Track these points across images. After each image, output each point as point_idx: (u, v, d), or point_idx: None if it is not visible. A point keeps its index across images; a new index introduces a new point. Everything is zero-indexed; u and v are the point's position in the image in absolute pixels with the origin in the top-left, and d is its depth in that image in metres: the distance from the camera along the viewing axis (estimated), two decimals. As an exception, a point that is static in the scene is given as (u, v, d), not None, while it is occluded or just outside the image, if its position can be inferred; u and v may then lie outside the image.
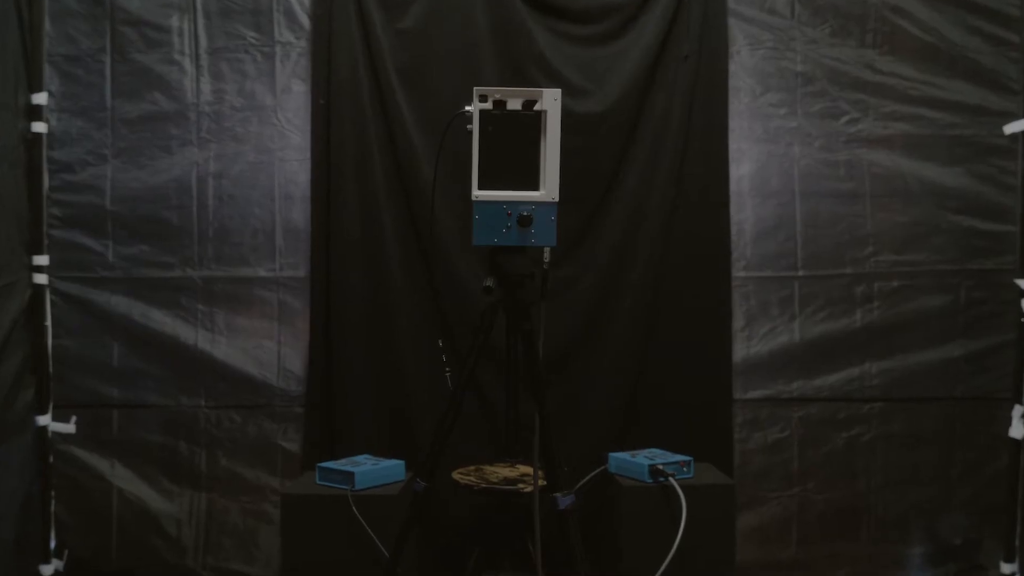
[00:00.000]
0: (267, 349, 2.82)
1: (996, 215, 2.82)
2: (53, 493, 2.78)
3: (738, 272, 2.83)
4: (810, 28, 2.82)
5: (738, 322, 2.84)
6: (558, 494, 1.97)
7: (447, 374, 2.21)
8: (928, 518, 2.84)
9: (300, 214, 2.81)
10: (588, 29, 2.80)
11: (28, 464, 2.69)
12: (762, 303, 2.85)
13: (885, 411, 2.84)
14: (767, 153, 2.84)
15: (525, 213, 1.93)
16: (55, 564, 2.77)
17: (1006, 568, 2.79)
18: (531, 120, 1.94)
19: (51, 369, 2.78)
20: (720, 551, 2.42)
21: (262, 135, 2.81)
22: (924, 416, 2.84)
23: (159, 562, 2.78)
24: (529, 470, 2.43)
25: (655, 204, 2.80)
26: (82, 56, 2.77)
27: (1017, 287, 2.79)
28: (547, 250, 1.95)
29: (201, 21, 2.78)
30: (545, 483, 2.04)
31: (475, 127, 1.92)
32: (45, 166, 2.76)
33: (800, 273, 2.84)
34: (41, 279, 2.76)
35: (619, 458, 2.53)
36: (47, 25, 2.75)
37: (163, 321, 2.81)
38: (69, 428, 2.78)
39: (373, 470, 2.42)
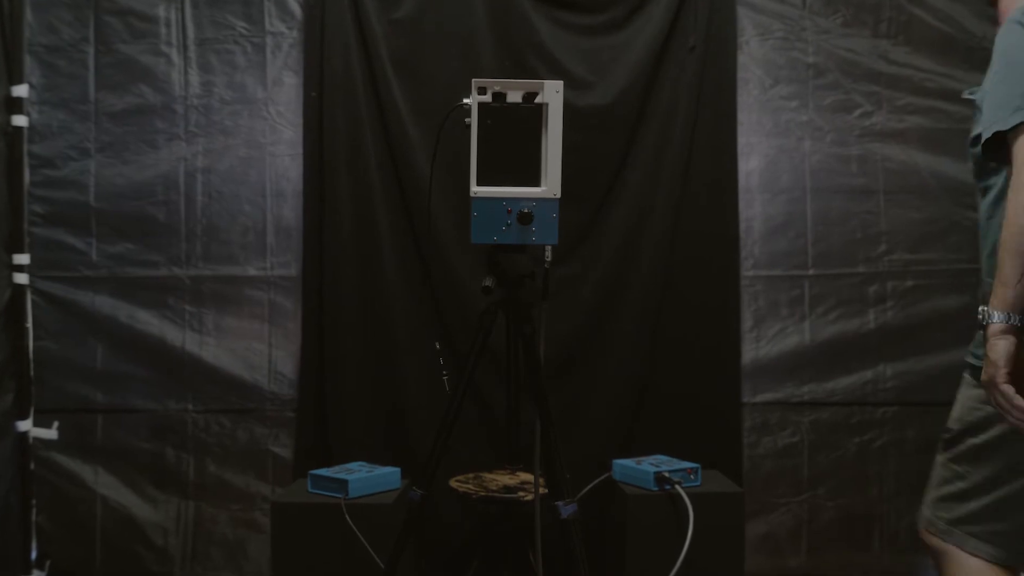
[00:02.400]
0: (257, 351, 2.76)
1: (1015, 212, 2.75)
2: (34, 501, 2.73)
3: (746, 271, 2.78)
4: (822, 18, 2.77)
5: (746, 323, 2.78)
6: (560, 502, 1.91)
7: (444, 377, 2.15)
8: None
9: (292, 211, 2.76)
10: (591, 18, 2.75)
11: (7, 471, 2.64)
12: (771, 303, 2.79)
13: (899, 416, 2.78)
14: (777, 148, 2.79)
15: (525, 210, 1.88)
16: (36, 575, 2.72)
17: (1024, 579, 2.72)
18: (532, 113, 1.90)
19: (32, 372, 2.73)
20: (728, 561, 2.37)
21: (252, 129, 2.76)
22: (939, 421, 2.69)
23: (145, 573, 2.73)
24: (529, 477, 2.38)
25: (660, 201, 2.74)
26: (64, 47, 2.72)
27: (1036, 287, 2.72)
28: (548, 248, 1.91)
29: (189, 11, 2.74)
30: (546, 491, 1.98)
31: (473, 120, 1.88)
32: (26, 161, 2.72)
33: (811, 272, 2.78)
34: (21, 279, 2.71)
35: (623, 465, 2.49)
36: (28, 14, 2.70)
37: (149, 322, 2.75)
38: (51, 434, 2.73)
39: (367, 478, 2.38)
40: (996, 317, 1.34)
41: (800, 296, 2.78)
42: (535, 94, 1.88)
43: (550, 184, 1.89)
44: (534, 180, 1.90)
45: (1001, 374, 1.33)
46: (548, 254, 1.90)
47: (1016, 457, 1.44)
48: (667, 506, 2.32)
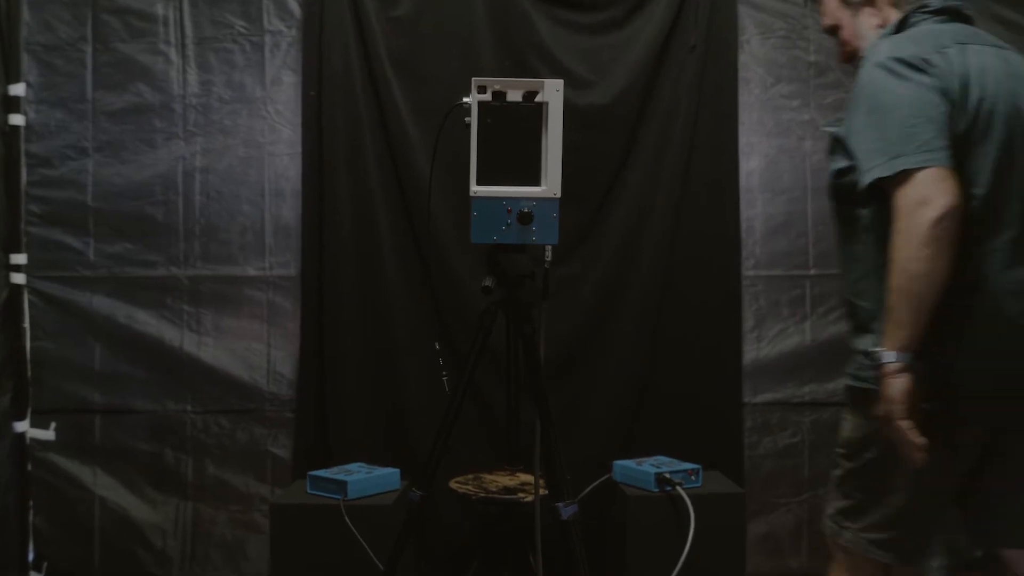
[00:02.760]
0: (256, 351, 2.74)
1: (1017, 212, 2.73)
2: (31, 503, 2.71)
3: (747, 271, 2.76)
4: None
5: (747, 323, 2.77)
6: (560, 503, 1.90)
7: (444, 378, 2.13)
8: (946, 528, 2.74)
9: (291, 210, 2.74)
10: (591, 17, 2.73)
11: (4, 472, 2.61)
12: (772, 303, 2.77)
13: (901, 416, 2.75)
14: (778, 147, 2.78)
15: (526, 209, 1.86)
16: (34, 576, 2.70)
17: (1027, 580, 2.70)
18: (532, 112, 1.89)
19: (29, 373, 2.70)
20: (730, 562, 2.36)
21: (251, 128, 2.74)
22: (942, 421, 2.75)
23: (143, 574, 2.70)
24: (529, 478, 2.36)
25: (661, 200, 2.72)
26: (62, 45, 2.70)
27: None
28: (548, 248, 1.90)
29: (187, 9, 2.72)
30: (547, 492, 1.96)
31: (473, 119, 1.86)
32: (23, 160, 2.69)
33: (812, 272, 2.77)
34: (19, 279, 2.69)
35: (624, 466, 2.47)
36: (25, 13, 2.68)
37: (147, 322, 2.73)
38: (48, 435, 2.71)
39: (366, 479, 2.37)
40: (891, 357, 1.38)
41: (801, 296, 2.77)
42: (535, 93, 1.86)
43: (550, 184, 1.87)
44: (534, 179, 1.88)
45: (899, 411, 1.37)
46: (548, 254, 1.89)
47: (898, 473, 1.50)
48: (668, 507, 2.30)
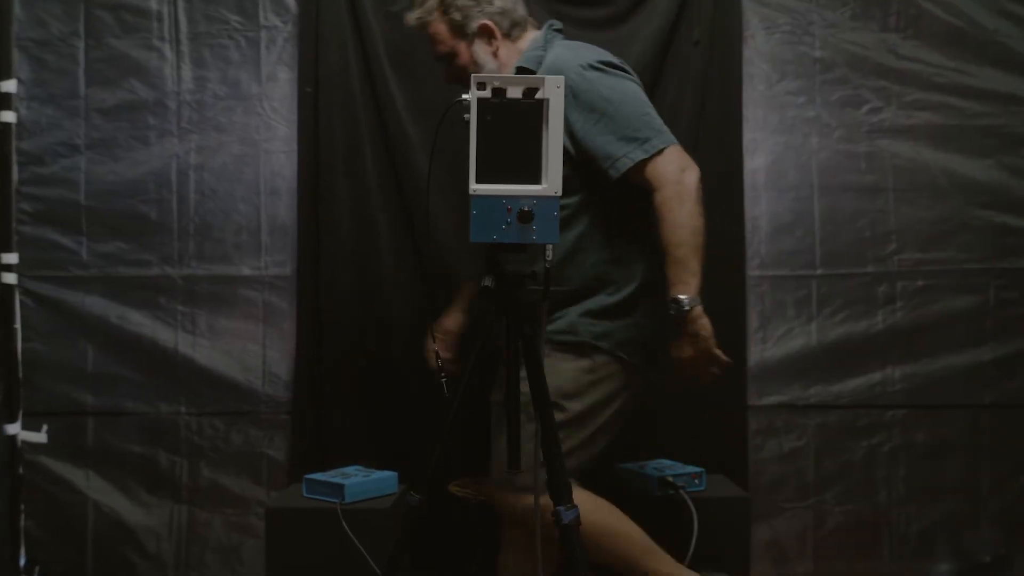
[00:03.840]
0: (252, 352, 2.72)
1: (1028, 211, 2.72)
2: (23, 507, 2.69)
3: (752, 271, 2.73)
4: (829, 11, 2.71)
5: (752, 324, 2.73)
6: (561, 507, 1.86)
7: (443, 380, 2.10)
8: (954, 533, 2.74)
9: (287, 209, 2.71)
10: (593, 12, 2.69)
11: (-5, 476, 2.61)
12: (777, 303, 2.74)
13: (908, 419, 2.73)
14: (783, 144, 2.73)
15: (526, 208, 1.82)
16: (25, 581, 2.69)
17: (1037, 586, 2.68)
18: (532, 109, 1.84)
19: (20, 374, 2.68)
20: (734, 568, 2.32)
21: (247, 125, 2.71)
22: (950, 424, 2.73)
23: (137, 579, 2.69)
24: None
25: (664, 198, 2.68)
26: (53, 41, 2.67)
27: (1050, 287, 2.69)
28: (549, 248, 1.85)
29: (182, 4, 2.68)
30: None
31: (472, 116, 1.81)
32: (14, 158, 2.67)
33: (818, 272, 2.73)
34: (10, 278, 2.66)
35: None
36: (16, 8, 2.65)
37: (141, 323, 2.70)
38: (40, 437, 2.69)
39: (364, 482, 2.35)
40: (697, 302, 1.76)
41: (807, 296, 2.73)
42: (536, 90, 1.82)
43: (551, 182, 1.84)
44: (535, 177, 1.84)
45: (713, 343, 1.78)
46: (549, 253, 1.86)
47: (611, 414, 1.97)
48: (671, 511, 2.27)
